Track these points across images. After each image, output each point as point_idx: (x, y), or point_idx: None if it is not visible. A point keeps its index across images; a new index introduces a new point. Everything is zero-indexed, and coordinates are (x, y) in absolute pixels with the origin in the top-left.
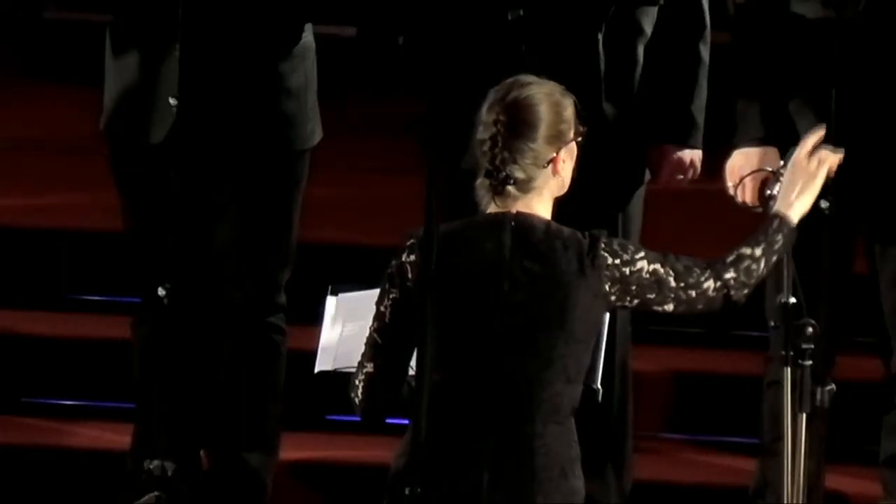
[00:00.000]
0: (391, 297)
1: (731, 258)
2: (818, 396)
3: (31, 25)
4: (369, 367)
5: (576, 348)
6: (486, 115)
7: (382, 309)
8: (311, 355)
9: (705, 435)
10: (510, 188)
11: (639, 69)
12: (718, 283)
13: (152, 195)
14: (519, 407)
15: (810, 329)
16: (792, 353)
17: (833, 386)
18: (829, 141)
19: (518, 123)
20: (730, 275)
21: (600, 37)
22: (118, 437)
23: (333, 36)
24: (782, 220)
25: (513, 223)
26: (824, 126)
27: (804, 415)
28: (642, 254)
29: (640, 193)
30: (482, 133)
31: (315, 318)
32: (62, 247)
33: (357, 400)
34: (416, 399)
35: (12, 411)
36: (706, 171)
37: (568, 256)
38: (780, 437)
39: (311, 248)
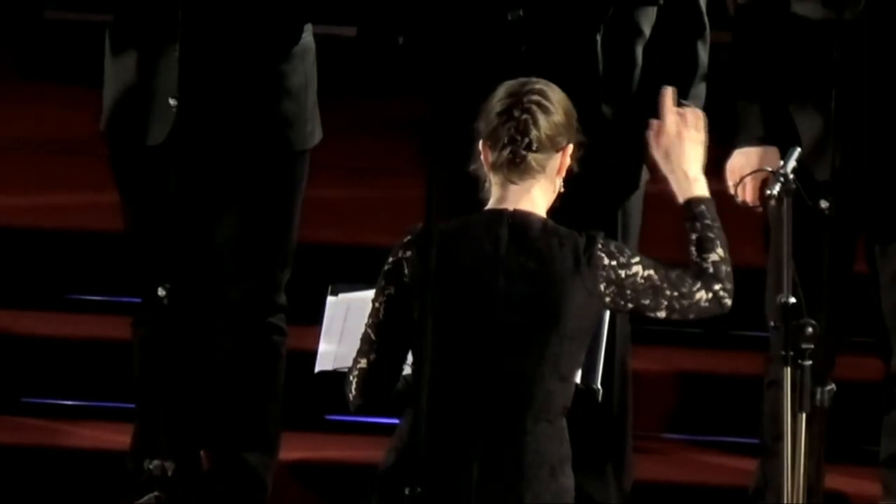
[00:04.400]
0: (387, 293)
1: (710, 269)
2: (818, 396)
3: (31, 25)
4: (363, 363)
5: (569, 346)
6: (504, 97)
7: (377, 305)
8: (311, 355)
9: (705, 435)
10: (530, 157)
11: (638, 70)
12: (710, 295)
13: (152, 195)
14: (510, 404)
15: (810, 329)
16: (792, 353)
17: (833, 386)
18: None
19: (543, 100)
20: (718, 286)
21: (599, 38)
22: (118, 437)
23: (333, 36)
24: (702, 201)
25: (510, 220)
26: (669, 90)
27: (804, 415)
28: (637, 259)
29: (640, 193)
30: (500, 107)
31: (315, 318)
32: (62, 247)
33: (351, 396)
34: (413, 396)
35: (12, 411)
36: (706, 171)
37: (564, 254)
38: (780, 437)
39: (311, 248)
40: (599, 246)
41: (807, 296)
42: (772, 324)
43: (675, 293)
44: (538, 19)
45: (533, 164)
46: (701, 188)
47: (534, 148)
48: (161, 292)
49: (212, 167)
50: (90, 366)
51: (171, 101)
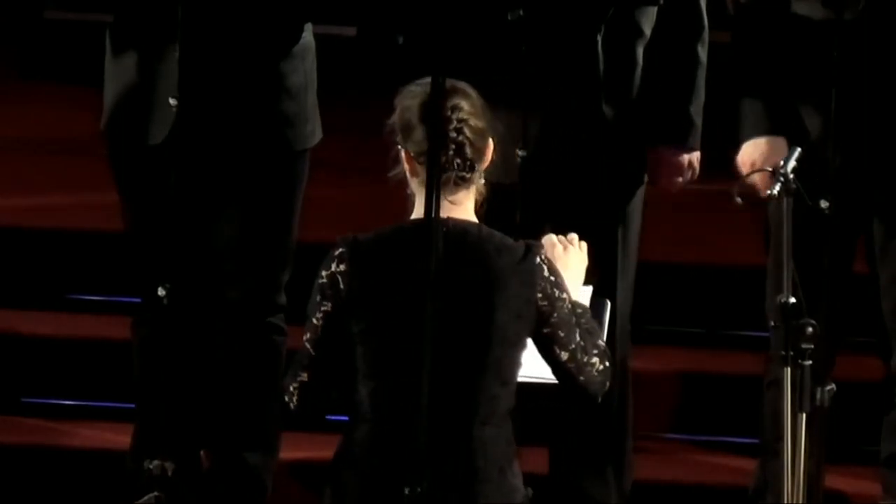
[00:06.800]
0: (324, 309)
1: (604, 348)
2: (818, 396)
3: (31, 25)
4: (303, 377)
5: (510, 351)
6: (426, 119)
7: (315, 321)
8: None
9: (706, 435)
10: (471, 175)
11: (638, 70)
12: (601, 367)
13: (152, 195)
14: (456, 410)
15: (810, 329)
16: (792, 353)
17: (833, 386)
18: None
19: (467, 115)
20: (608, 365)
21: (599, 38)
22: (118, 437)
23: (333, 36)
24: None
25: (444, 228)
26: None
27: (804, 415)
28: (567, 294)
29: (640, 194)
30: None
31: None
32: (62, 247)
33: (292, 404)
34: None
35: (12, 411)
36: (705, 171)
37: (501, 260)
38: (780, 437)
39: (311, 248)
40: (540, 258)
41: (807, 296)
42: (772, 324)
43: (583, 343)
44: (538, 19)
45: (471, 178)
46: (583, 298)
47: (474, 168)
48: (161, 292)
49: (212, 167)
50: (90, 366)
51: (172, 101)
